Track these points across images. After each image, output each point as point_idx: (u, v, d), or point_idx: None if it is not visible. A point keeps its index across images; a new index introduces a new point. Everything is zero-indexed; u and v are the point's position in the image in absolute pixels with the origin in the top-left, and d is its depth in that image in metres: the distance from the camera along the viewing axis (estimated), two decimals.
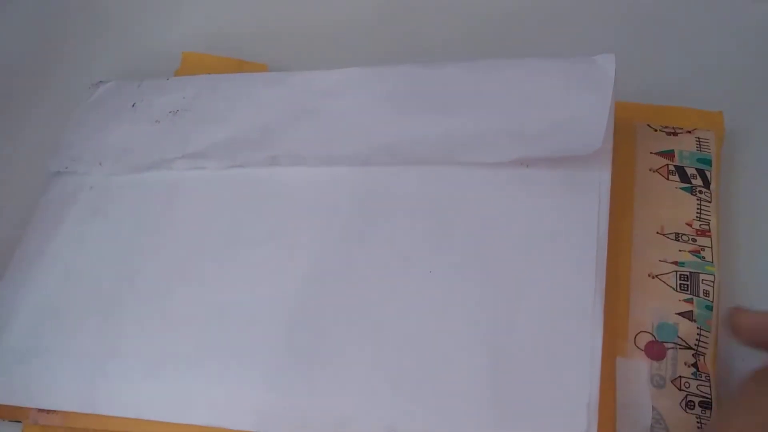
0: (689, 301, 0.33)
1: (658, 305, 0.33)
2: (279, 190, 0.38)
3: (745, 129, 0.39)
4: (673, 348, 0.32)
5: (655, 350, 0.32)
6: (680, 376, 0.32)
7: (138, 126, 0.42)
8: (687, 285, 0.33)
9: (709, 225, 0.35)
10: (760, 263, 0.36)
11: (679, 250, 0.34)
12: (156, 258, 0.38)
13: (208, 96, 0.42)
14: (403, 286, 0.34)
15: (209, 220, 0.38)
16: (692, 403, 0.31)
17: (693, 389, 0.31)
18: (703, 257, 0.34)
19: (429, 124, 0.36)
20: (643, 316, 0.33)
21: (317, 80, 0.40)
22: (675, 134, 0.38)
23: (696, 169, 0.36)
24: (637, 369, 0.32)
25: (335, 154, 0.37)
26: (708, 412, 0.31)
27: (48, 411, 0.36)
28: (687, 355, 0.32)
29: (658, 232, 0.35)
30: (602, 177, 0.33)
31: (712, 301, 0.33)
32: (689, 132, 0.38)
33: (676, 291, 0.33)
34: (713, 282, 0.33)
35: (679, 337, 0.32)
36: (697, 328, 0.32)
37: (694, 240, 0.34)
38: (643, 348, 0.32)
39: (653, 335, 0.33)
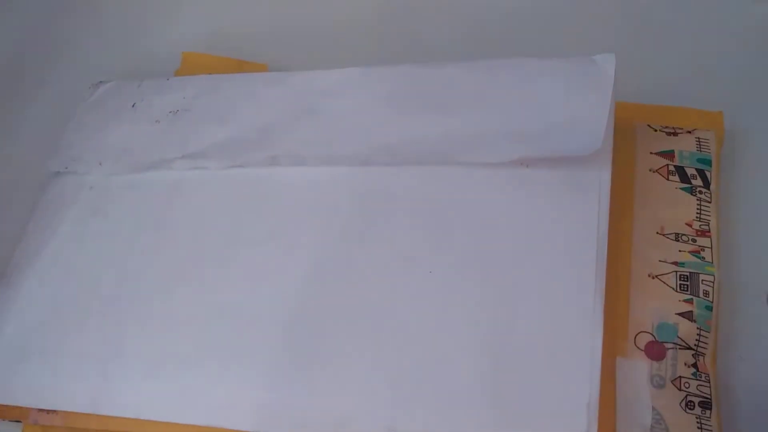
0: (689, 301, 0.33)
1: (658, 305, 0.33)
2: (279, 190, 0.38)
3: (745, 129, 0.39)
4: (673, 348, 0.32)
5: (655, 350, 0.32)
6: (680, 377, 0.32)
7: (138, 126, 0.42)
8: (687, 285, 0.33)
9: (709, 225, 0.35)
10: (760, 263, 0.36)
11: (679, 251, 0.34)
12: (156, 258, 0.38)
13: (208, 96, 0.42)
14: (403, 286, 0.34)
15: (209, 220, 0.38)
16: (692, 404, 0.31)
17: (693, 389, 0.31)
18: (703, 257, 0.34)
19: (429, 124, 0.36)
20: (643, 316, 0.33)
21: (317, 80, 0.40)
22: (675, 134, 0.38)
23: (696, 169, 0.36)
24: (637, 369, 0.32)
25: (335, 154, 0.37)
26: (708, 412, 0.31)
27: (48, 411, 0.36)
28: (687, 356, 0.32)
29: (658, 233, 0.35)
30: (602, 177, 0.33)
31: (712, 302, 0.33)
32: (689, 132, 0.38)
33: (676, 291, 0.33)
34: (713, 282, 0.33)
35: (679, 337, 0.32)
36: (697, 328, 0.32)
37: (694, 240, 0.34)
38: (643, 348, 0.32)
39: (653, 335, 0.33)
